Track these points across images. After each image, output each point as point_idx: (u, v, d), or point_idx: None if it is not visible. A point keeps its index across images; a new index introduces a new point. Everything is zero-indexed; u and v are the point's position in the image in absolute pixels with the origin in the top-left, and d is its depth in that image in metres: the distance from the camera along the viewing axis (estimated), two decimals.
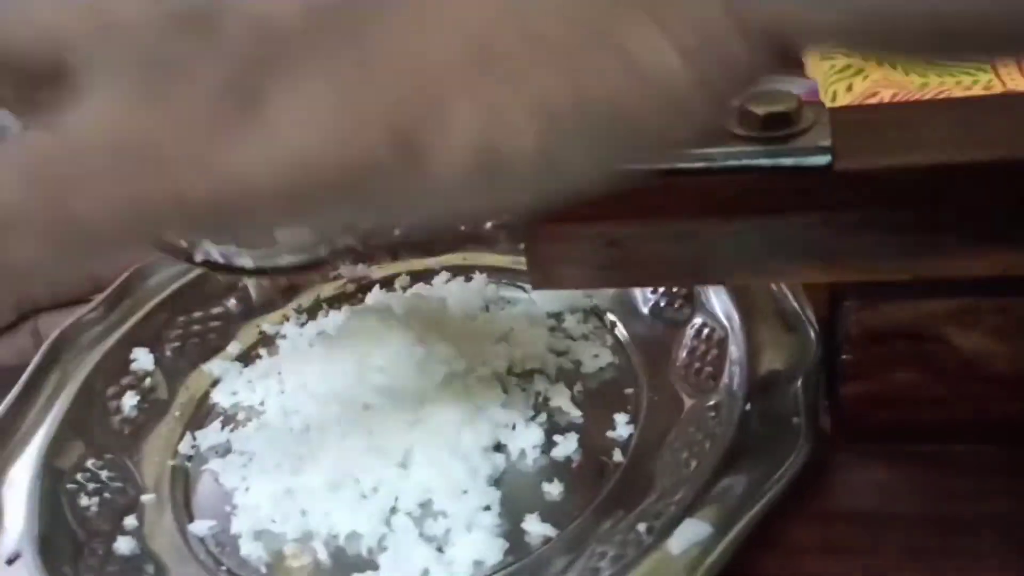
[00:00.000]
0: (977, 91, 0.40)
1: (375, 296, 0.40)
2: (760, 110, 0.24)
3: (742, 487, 0.25)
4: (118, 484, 0.34)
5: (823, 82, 0.45)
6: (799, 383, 0.28)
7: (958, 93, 0.40)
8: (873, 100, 0.41)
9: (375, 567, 0.28)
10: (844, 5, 0.15)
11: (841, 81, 0.44)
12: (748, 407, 0.28)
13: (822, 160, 0.23)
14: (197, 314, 0.41)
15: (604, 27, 0.15)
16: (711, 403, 0.31)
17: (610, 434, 0.32)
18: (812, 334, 0.30)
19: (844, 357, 0.28)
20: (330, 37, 0.15)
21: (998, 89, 0.40)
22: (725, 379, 0.31)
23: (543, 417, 0.33)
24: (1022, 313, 0.26)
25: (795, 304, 0.32)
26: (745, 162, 0.24)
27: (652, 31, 0.15)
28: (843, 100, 0.44)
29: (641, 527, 0.26)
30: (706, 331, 0.34)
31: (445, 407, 0.32)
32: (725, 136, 0.24)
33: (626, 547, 0.26)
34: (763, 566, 0.25)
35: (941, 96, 0.40)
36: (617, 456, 0.31)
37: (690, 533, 0.24)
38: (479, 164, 0.15)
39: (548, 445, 0.32)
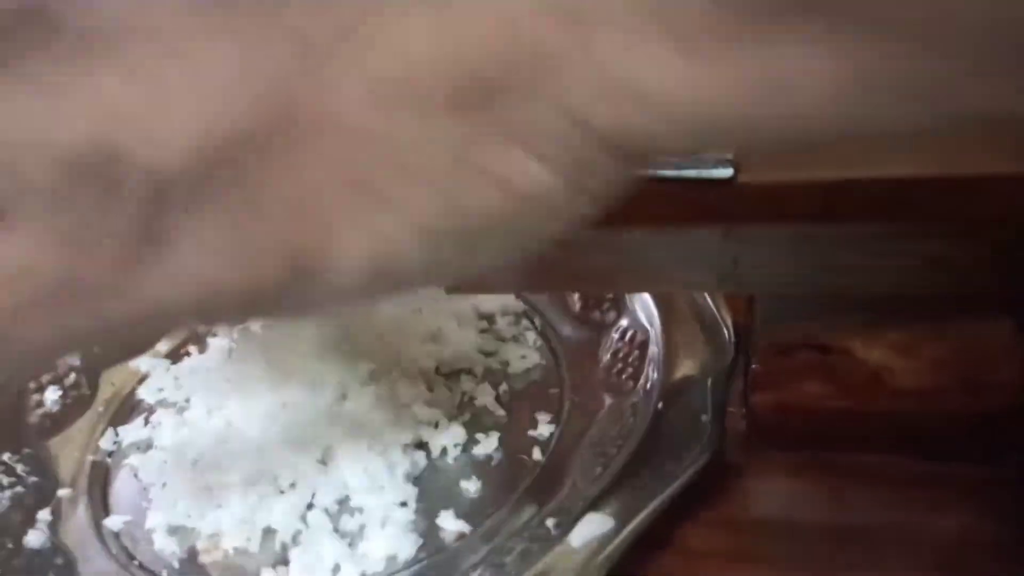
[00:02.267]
0: None
1: None
2: None
3: (647, 483, 0.26)
4: (34, 478, 0.33)
5: None
6: (709, 384, 0.29)
7: None
8: None
9: (287, 562, 0.28)
10: (682, 116, 0.15)
11: None
12: (660, 407, 0.29)
13: (725, 173, 0.24)
14: None
15: (466, 152, 0.16)
16: (629, 403, 0.31)
17: (531, 433, 0.32)
18: (728, 341, 0.31)
19: (753, 367, 0.28)
20: (218, 179, 0.16)
21: None
22: (643, 381, 0.32)
23: (467, 416, 0.34)
24: (922, 329, 0.26)
25: (715, 311, 0.32)
26: (650, 172, 0.24)
27: (510, 148, 0.16)
28: None
29: (550, 522, 0.26)
30: (630, 334, 0.35)
31: (367, 404, 0.32)
32: None
33: (534, 542, 0.26)
34: (665, 569, 0.26)
35: None
36: (536, 455, 0.31)
37: (592, 527, 0.24)
38: (373, 276, 0.17)
39: (470, 443, 0.32)
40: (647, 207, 0.24)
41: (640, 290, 0.25)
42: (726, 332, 0.31)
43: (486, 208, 0.16)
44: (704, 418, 0.28)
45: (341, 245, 0.17)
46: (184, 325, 0.17)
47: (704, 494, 0.28)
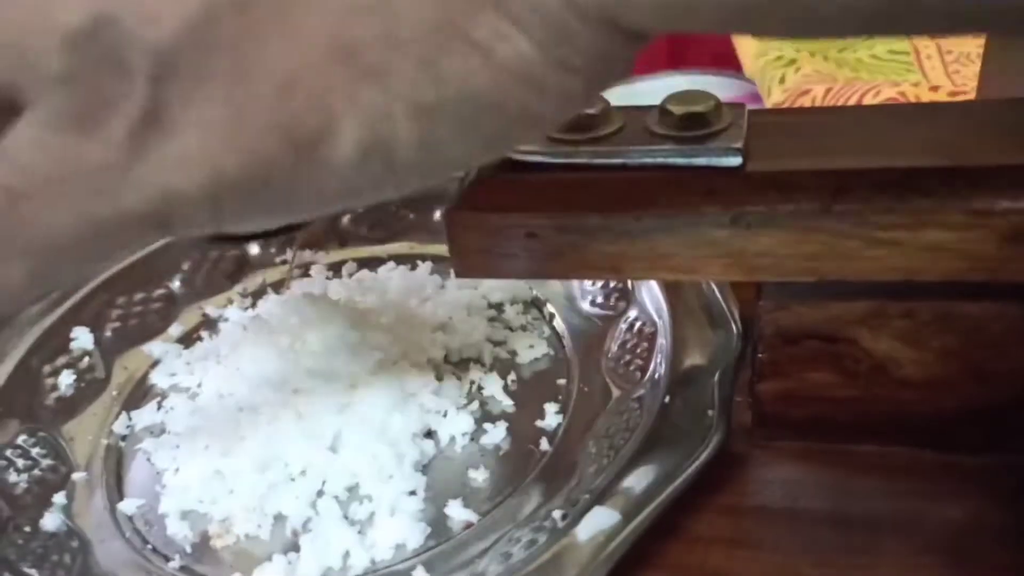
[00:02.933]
0: (906, 88, 0.41)
1: (317, 281, 0.40)
2: (678, 110, 0.25)
3: (652, 477, 0.26)
4: (49, 461, 0.34)
5: (761, 78, 0.46)
6: (716, 378, 0.29)
7: (888, 90, 0.41)
8: (805, 97, 0.42)
9: (297, 549, 0.29)
10: None
11: (776, 71, 0.44)
12: (667, 399, 0.29)
13: (734, 161, 0.24)
14: (139, 295, 0.41)
15: (454, 22, 0.16)
16: (636, 395, 0.31)
17: (539, 423, 0.33)
18: (735, 331, 0.31)
19: (759, 356, 0.28)
20: (212, 52, 0.17)
21: (924, 86, 0.41)
22: (651, 372, 0.32)
23: (475, 405, 0.34)
24: (928, 318, 0.26)
25: (722, 302, 0.32)
26: (660, 160, 0.24)
27: (499, 22, 0.16)
28: (777, 94, 0.45)
29: (556, 514, 0.27)
30: (638, 325, 0.35)
31: (376, 393, 0.32)
32: (644, 134, 0.25)
33: (540, 533, 0.26)
34: (667, 556, 0.26)
35: (871, 90, 0.40)
36: (544, 445, 0.32)
37: (599, 521, 0.25)
38: (368, 154, 0.17)
39: (478, 433, 0.33)
40: (656, 195, 0.24)
41: (648, 277, 0.25)
42: (733, 325, 0.31)
43: (470, 78, 0.17)
44: (711, 413, 0.28)
45: (334, 120, 0.17)
46: (197, 222, 0.17)
47: (709, 482, 0.28)
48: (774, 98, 0.45)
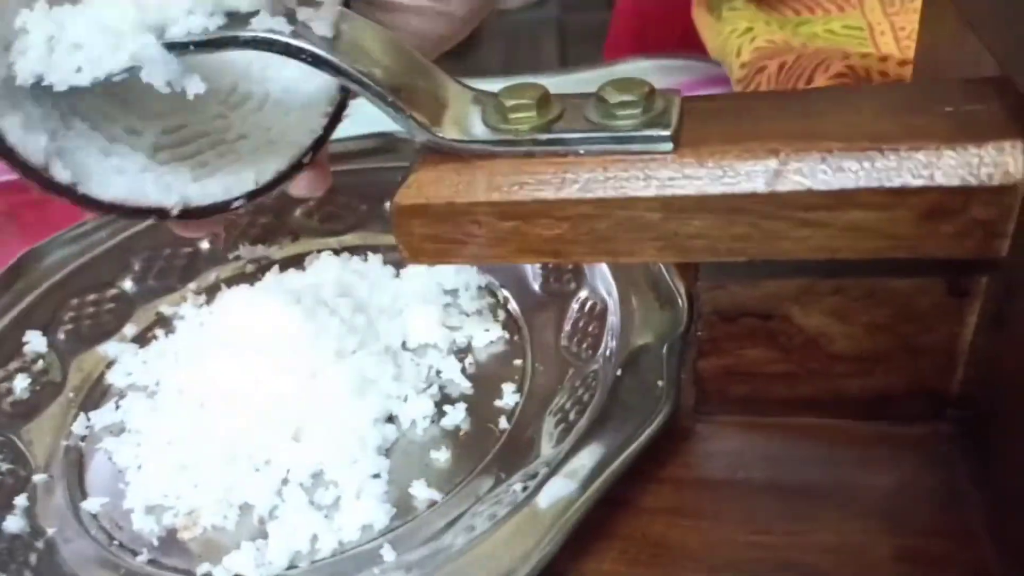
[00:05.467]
0: (855, 61, 0.42)
1: (272, 276, 0.41)
2: (612, 97, 0.26)
3: (606, 448, 0.27)
4: (8, 465, 0.34)
5: (723, 56, 0.47)
6: (664, 353, 0.30)
7: (838, 64, 0.42)
8: (762, 75, 0.44)
9: (265, 536, 0.30)
10: None
11: (734, 44, 0.46)
12: (619, 374, 0.30)
13: (665, 147, 0.25)
14: (92, 296, 0.41)
15: None
16: (589, 371, 0.33)
17: (497, 403, 0.34)
18: (682, 308, 0.32)
19: (698, 334, 0.30)
20: None
21: (874, 57, 0.42)
22: (603, 349, 0.33)
23: (434, 389, 0.35)
24: (857, 294, 0.28)
25: (669, 280, 0.34)
26: (596, 147, 0.25)
27: None
28: (737, 70, 0.46)
29: (517, 487, 0.28)
30: (589, 304, 0.36)
31: (337, 382, 0.33)
32: (581, 121, 0.26)
33: (501, 506, 0.27)
34: (613, 525, 0.28)
35: (821, 65, 0.42)
36: (503, 423, 0.33)
37: (557, 491, 0.26)
38: None
39: (438, 415, 0.34)
40: (592, 180, 0.25)
41: (589, 260, 0.26)
42: (680, 301, 0.32)
43: None
44: (660, 384, 0.29)
45: None
46: None
47: (654, 455, 0.30)
48: (735, 76, 0.47)
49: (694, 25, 0.53)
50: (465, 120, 0.27)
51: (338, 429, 0.32)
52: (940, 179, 0.23)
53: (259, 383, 0.33)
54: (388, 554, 0.28)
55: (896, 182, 0.24)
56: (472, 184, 0.26)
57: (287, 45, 0.26)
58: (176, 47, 0.26)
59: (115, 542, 0.31)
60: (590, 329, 0.35)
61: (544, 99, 0.27)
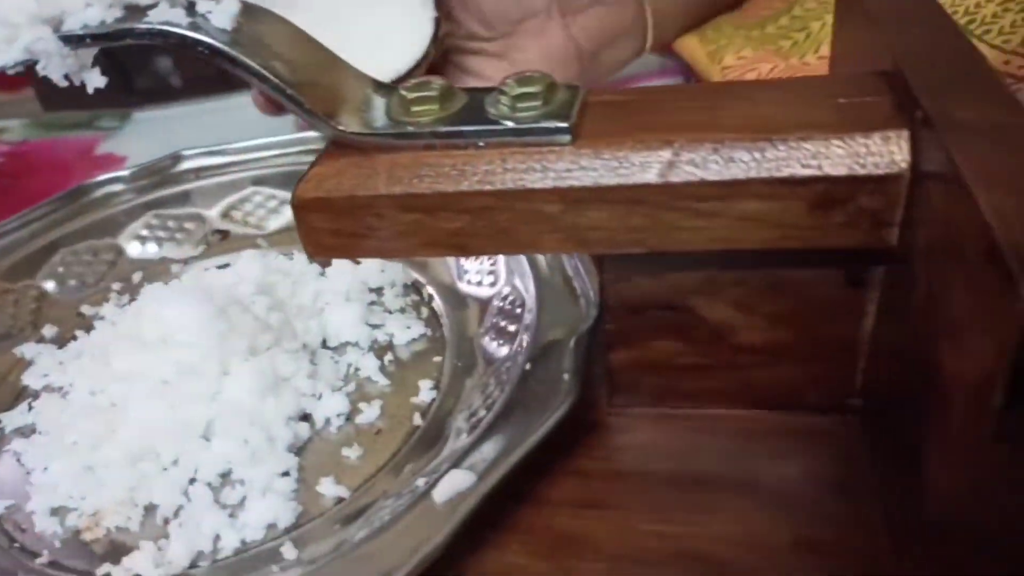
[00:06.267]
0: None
1: (193, 275, 0.40)
2: (512, 90, 0.26)
3: (507, 441, 0.27)
4: None
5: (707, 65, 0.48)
6: (571, 346, 0.30)
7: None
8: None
9: (168, 536, 0.29)
10: None
11: (719, 53, 0.46)
12: (528, 367, 0.30)
13: (563, 139, 0.25)
14: (11, 297, 0.40)
15: None
16: (503, 367, 0.33)
17: (414, 400, 0.34)
18: (591, 302, 0.32)
19: (607, 326, 0.30)
20: None
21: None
22: (516, 344, 0.33)
23: (351, 387, 0.35)
24: (758, 285, 0.28)
25: (584, 275, 0.34)
26: (496, 139, 0.25)
27: None
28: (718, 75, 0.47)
29: (420, 481, 0.28)
30: (510, 301, 0.36)
31: (248, 379, 0.32)
32: (482, 114, 0.26)
33: (404, 500, 0.27)
34: (519, 519, 0.27)
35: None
36: (417, 420, 0.33)
37: (455, 483, 0.26)
38: None
39: (353, 413, 0.33)
40: (491, 172, 0.25)
41: (492, 252, 0.26)
42: (592, 294, 0.32)
43: None
44: (566, 376, 0.29)
45: None
46: None
47: (564, 448, 0.30)
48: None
49: None
50: (368, 113, 0.27)
51: (248, 428, 0.31)
52: (828, 169, 0.24)
53: (168, 382, 0.32)
54: (289, 552, 0.27)
55: (785, 172, 0.24)
56: (372, 177, 0.26)
57: (183, 37, 0.26)
58: (72, 40, 0.25)
59: (16, 544, 0.30)
60: (508, 326, 0.35)
61: (447, 92, 0.27)
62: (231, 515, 0.29)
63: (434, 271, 0.40)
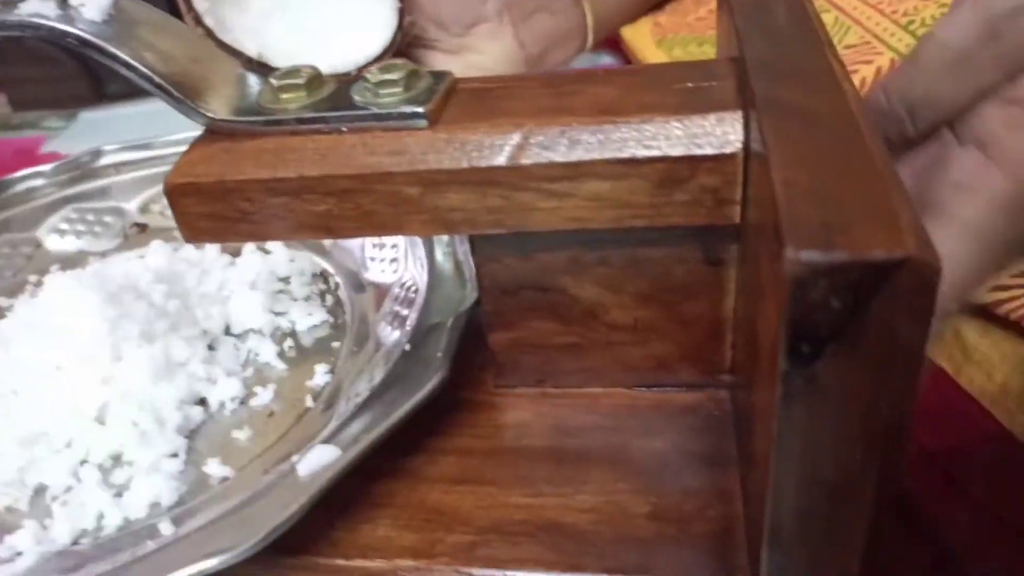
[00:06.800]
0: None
1: (97, 265, 0.41)
2: (374, 77, 0.27)
3: (376, 417, 0.28)
4: None
5: None
6: (449, 326, 0.31)
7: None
8: None
9: (52, 515, 0.30)
10: None
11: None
12: (408, 348, 0.31)
13: (420, 123, 0.26)
14: None
15: None
16: (392, 350, 0.33)
17: (308, 383, 0.34)
18: (472, 284, 0.33)
19: (485, 308, 0.31)
20: None
21: (846, 22, 0.43)
22: (407, 327, 0.34)
23: (249, 372, 0.35)
24: (620, 264, 0.29)
25: (468, 257, 0.35)
26: (358, 124, 0.26)
27: None
28: None
29: (295, 458, 0.28)
30: (407, 288, 0.37)
31: (141, 365, 0.33)
32: (346, 100, 0.27)
33: (277, 476, 0.28)
34: (393, 495, 0.28)
35: None
36: (309, 402, 0.33)
37: (319, 457, 0.27)
38: None
39: (248, 397, 0.34)
40: (353, 156, 0.26)
41: (359, 235, 0.27)
42: (471, 276, 0.33)
43: None
44: (439, 355, 0.30)
45: None
46: None
47: (445, 428, 0.31)
48: None
49: None
50: (238, 101, 0.28)
51: (139, 412, 0.32)
52: (668, 149, 0.25)
53: (62, 368, 0.33)
54: (167, 528, 0.28)
55: (627, 152, 0.25)
56: (241, 162, 0.27)
57: (52, 29, 0.26)
58: None
59: None
60: (402, 311, 0.36)
61: (315, 80, 0.28)
62: (117, 495, 0.30)
63: (341, 259, 0.41)
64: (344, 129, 0.27)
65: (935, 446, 0.33)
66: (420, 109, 0.26)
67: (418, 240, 0.38)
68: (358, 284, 0.39)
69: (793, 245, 0.17)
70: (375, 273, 0.39)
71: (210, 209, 0.27)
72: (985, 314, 0.34)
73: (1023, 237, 0.29)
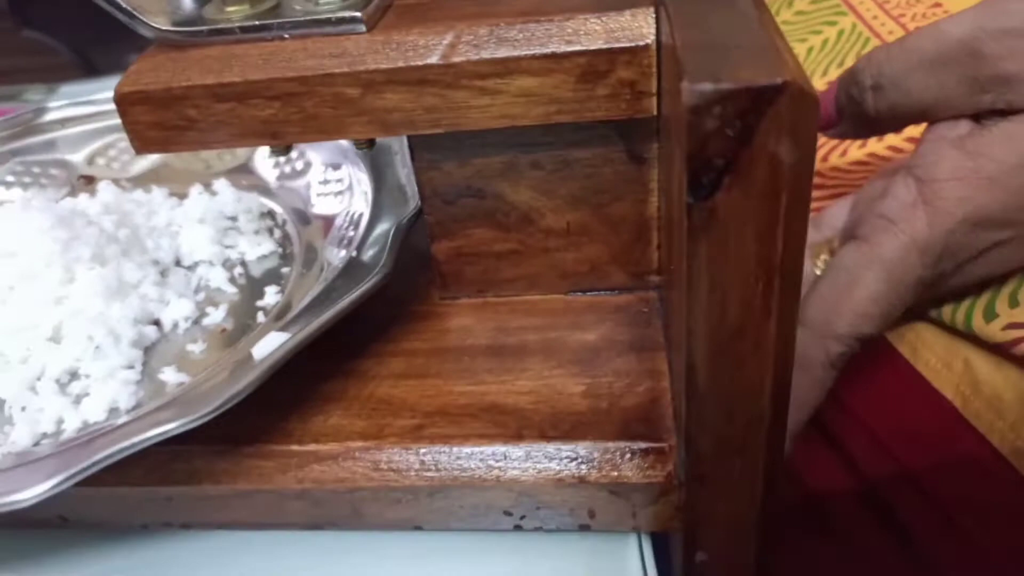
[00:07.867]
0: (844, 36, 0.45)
1: (45, 201, 0.42)
2: None
3: (324, 309, 0.30)
4: None
5: None
6: (391, 231, 0.33)
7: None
8: None
9: (13, 423, 0.31)
10: None
11: None
12: (355, 254, 0.33)
13: (359, 28, 0.28)
14: None
15: None
16: (336, 264, 0.35)
17: (259, 303, 0.36)
18: (412, 194, 0.35)
19: (427, 218, 0.33)
20: None
21: (864, 32, 0.44)
22: (352, 244, 0.35)
23: (201, 296, 0.37)
24: (552, 167, 0.31)
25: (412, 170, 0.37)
26: (301, 31, 0.28)
27: None
28: None
29: (254, 350, 0.30)
30: (353, 214, 0.38)
31: (94, 285, 0.34)
32: (291, 10, 0.29)
33: (229, 363, 0.29)
34: (344, 391, 0.30)
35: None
36: (261, 318, 0.35)
37: (272, 342, 0.28)
38: None
39: (201, 317, 0.35)
40: (294, 60, 0.28)
41: (304, 140, 0.29)
42: (414, 194, 0.35)
43: None
44: (383, 256, 0.32)
45: None
46: None
47: (393, 335, 0.32)
48: None
49: None
50: (186, 13, 0.30)
51: (95, 328, 0.33)
52: (587, 43, 0.27)
53: (14, 288, 0.34)
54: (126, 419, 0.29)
55: (550, 48, 0.27)
56: (187, 70, 0.28)
57: None
58: None
59: None
60: (348, 232, 0.37)
61: None
62: (74, 402, 0.31)
63: (287, 199, 0.42)
64: (286, 36, 0.28)
65: (933, 486, 0.34)
66: (358, 14, 0.28)
67: (363, 174, 0.39)
68: (304, 218, 0.41)
69: (689, 81, 0.19)
70: (321, 207, 0.41)
71: (158, 118, 0.29)
72: (1000, 351, 0.32)
73: (932, 279, 0.30)
